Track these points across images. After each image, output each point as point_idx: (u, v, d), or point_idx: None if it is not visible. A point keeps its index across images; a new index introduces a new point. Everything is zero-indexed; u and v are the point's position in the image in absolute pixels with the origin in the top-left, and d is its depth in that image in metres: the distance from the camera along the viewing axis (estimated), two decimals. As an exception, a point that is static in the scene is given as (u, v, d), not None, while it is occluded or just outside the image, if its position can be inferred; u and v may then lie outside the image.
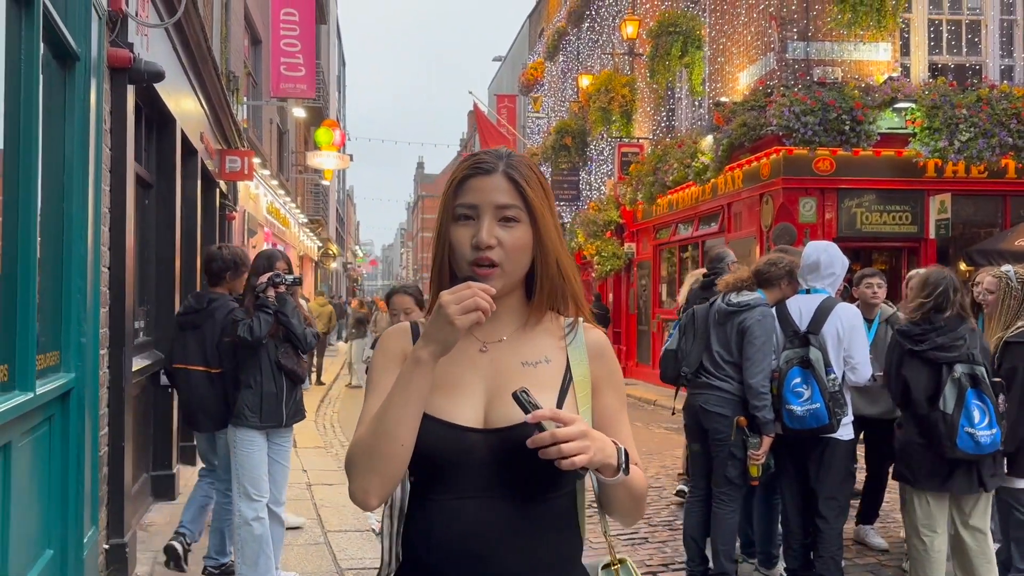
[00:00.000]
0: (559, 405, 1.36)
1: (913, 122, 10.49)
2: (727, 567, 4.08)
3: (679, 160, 13.48)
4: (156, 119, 5.68)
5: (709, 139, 12.70)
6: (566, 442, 1.18)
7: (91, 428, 3.59)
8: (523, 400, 1.22)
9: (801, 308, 4.06)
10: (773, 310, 4.11)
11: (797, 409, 3.85)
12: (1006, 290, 4.01)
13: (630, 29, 16.29)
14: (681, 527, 4.66)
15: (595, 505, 1.43)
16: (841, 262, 4.14)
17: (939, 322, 3.70)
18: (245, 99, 11.69)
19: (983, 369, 3.64)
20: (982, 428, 3.54)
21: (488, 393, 1.38)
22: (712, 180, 12.74)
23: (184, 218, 6.33)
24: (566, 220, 21.55)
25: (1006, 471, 3.94)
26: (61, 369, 3.26)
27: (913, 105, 10.47)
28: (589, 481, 1.42)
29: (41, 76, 2.77)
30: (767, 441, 3.99)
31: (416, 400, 1.28)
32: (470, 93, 28.39)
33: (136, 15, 4.33)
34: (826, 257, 4.10)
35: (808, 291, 4.11)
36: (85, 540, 3.38)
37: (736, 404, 4.06)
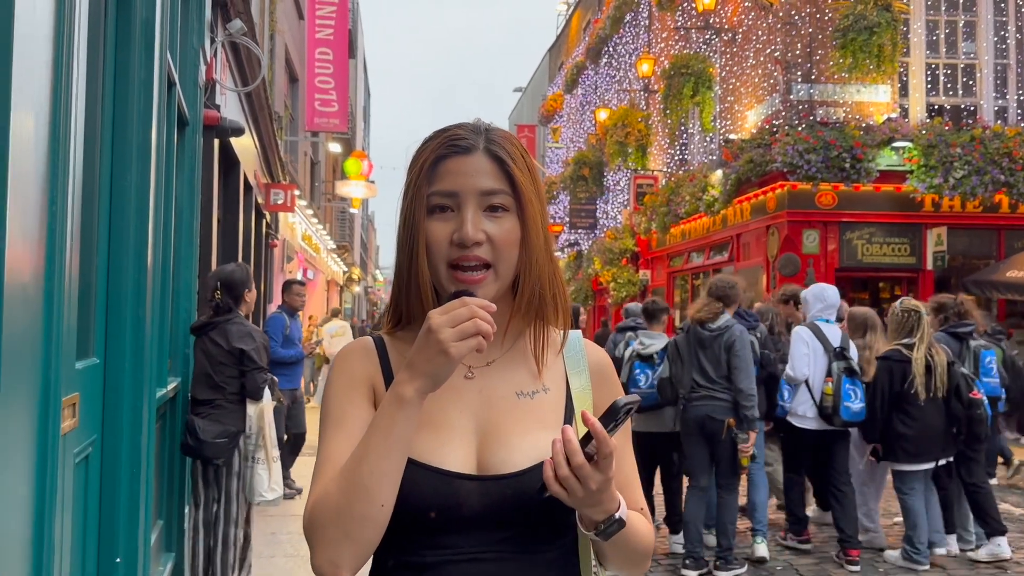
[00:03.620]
0: None
1: (910, 160, 11.18)
2: (732, 542, 4.97)
3: (691, 193, 14.23)
4: (225, 163, 6.51)
5: (719, 173, 13.44)
6: (574, 473, 0.99)
7: (183, 422, 4.34)
8: (619, 411, 1.00)
9: (827, 333, 5.30)
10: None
11: (853, 406, 5.06)
12: (894, 316, 5.16)
13: (645, 67, 17.13)
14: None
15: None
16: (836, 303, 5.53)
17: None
18: (286, 136, 12.60)
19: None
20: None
21: (480, 431, 1.14)
22: (721, 212, 13.46)
23: (243, 247, 7.15)
24: (584, 247, 22.34)
25: (880, 457, 5.21)
26: (171, 374, 4.02)
27: (910, 144, 11.17)
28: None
29: (174, 139, 3.56)
30: (754, 435, 4.88)
31: (399, 449, 1.02)
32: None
33: (220, 80, 5.15)
34: (834, 297, 5.49)
35: (828, 321, 5.40)
36: (185, 513, 4.13)
37: (732, 410, 4.92)
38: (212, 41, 4.91)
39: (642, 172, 17.82)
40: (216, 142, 5.06)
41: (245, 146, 7.51)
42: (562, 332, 1.23)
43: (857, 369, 5.15)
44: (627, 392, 4.70)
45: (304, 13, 15.51)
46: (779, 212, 11.87)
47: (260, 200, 9.08)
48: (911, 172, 11.17)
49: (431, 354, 1.00)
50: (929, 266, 11.61)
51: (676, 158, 16.63)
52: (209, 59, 4.66)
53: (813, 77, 11.71)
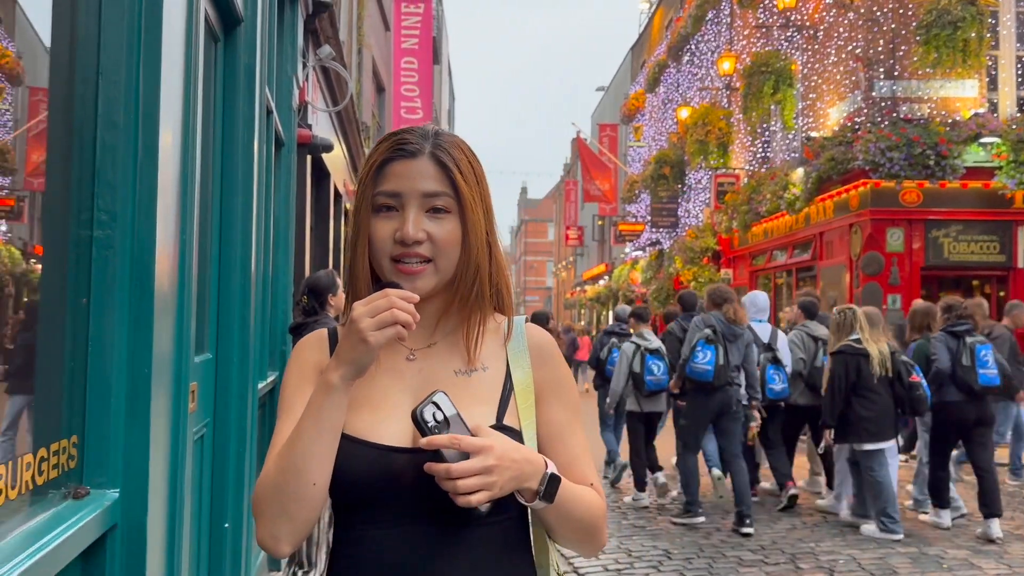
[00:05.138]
0: (500, 418, 1.21)
1: (999, 156, 10.89)
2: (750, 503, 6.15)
3: (772, 191, 14.16)
4: (316, 175, 7.03)
5: (800, 171, 13.34)
6: (462, 477, 1.07)
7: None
8: (420, 420, 1.09)
9: (758, 331, 6.69)
10: None
11: (775, 387, 6.60)
12: (833, 320, 6.15)
13: (727, 65, 17.07)
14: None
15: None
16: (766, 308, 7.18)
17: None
18: (373, 144, 13.17)
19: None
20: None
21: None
22: (804, 210, 13.36)
23: (333, 252, 7.68)
24: (665, 246, 22.35)
25: (834, 439, 6.02)
26: (270, 368, 4.49)
27: (999, 140, 10.87)
28: None
29: (272, 160, 4.02)
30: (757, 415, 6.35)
31: (329, 431, 1.11)
32: (573, 124, 29.63)
33: (312, 101, 5.63)
34: (763, 302, 7.12)
35: (760, 321, 6.84)
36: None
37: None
38: (304, 66, 5.39)
39: (723, 171, 17.76)
40: (308, 157, 5.54)
41: (335, 157, 8.03)
42: (506, 320, 1.29)
43: (781, 359, 6.63)
44: (643, 379, 5.68)
45: (390, 24, 16.14)
46: (862, 210, 11.74)
47: (348, 206, 9.64)
48: (1000, 168, 10.88)
49: (353, 342, 1.09)
50: (1020, 264, 11.28)
51: (758, 155, 16.53)
52: (302, 83, 5.14)
53: (896, 73, 11.53)
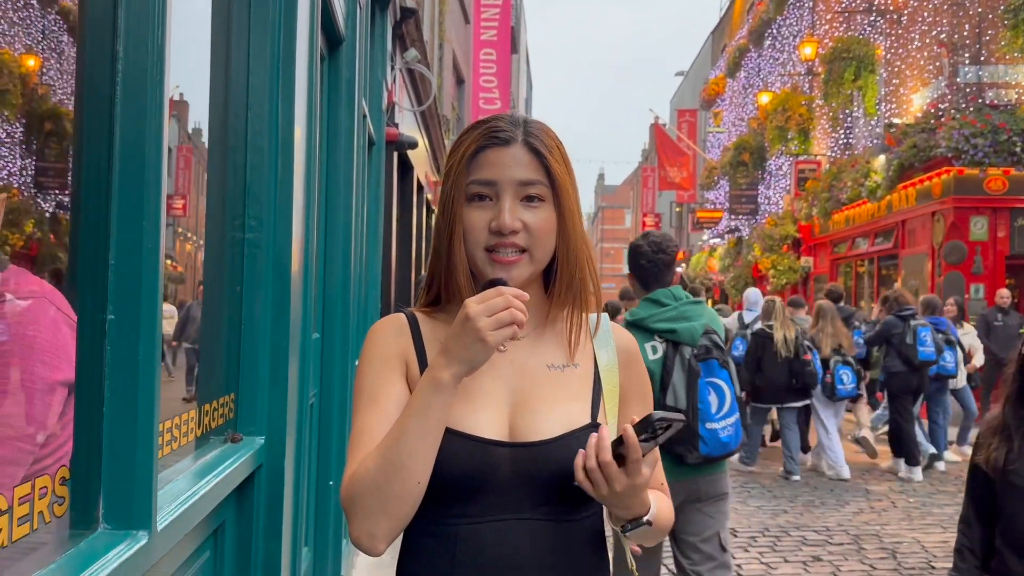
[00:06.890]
0: (594, 416, 1.22)
1: (1091, 141, 10.56)
2: None
3: (853, 179, 14.00)
4: (401, 169, 7.48)
5: (882, 158, 13.16)
6: (603, 468, 1.08)
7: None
8: (652, 424, 1.07)
9: (746, 317, 8.46)
10: None
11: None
12: (764, 307, 7.65)
13: (808, 50, 16.85)
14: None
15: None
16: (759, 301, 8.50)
17: None
18: (452, 136, 13.67)
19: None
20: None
21: (511, 400, 1.20)
22: (886, 198, 13.19)
23: (416, 241, 8.13)
24: (744, 234, 22.16)
25: (749, 400, 7.37)
26: (362, 349, 4.94)
27: (1091, 125, 10.54)
28: None
29: (367, 159, 4.44)
30: None
31: (435, 430, 1.10)
32: (651, 111, 29.57)
33: (398, 102, 6.05)
34: (755, 296, 8.80)
35: (751, 311, 8.45)
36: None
37: None
38: (392, 69, 5.80)
39: (804, 157, 17.55)
40: (395, 153, 5.96)
41: (417, 151, 8.46)
42: (593, 315, 1.29)
43: (747, 335, 7.84)
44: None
45: (470, 17, 16.54)
46: (945, 198, 11.54)
47: (429, 197, 10.09)
48: (1092, 154, 10.55)
49: (468, 341, 1.07)
50: (1114, 253, 10.92)
51: (840, 142, 16.31)
52: (390, 86, 5.54)
53: (982, 59, 11.28)
